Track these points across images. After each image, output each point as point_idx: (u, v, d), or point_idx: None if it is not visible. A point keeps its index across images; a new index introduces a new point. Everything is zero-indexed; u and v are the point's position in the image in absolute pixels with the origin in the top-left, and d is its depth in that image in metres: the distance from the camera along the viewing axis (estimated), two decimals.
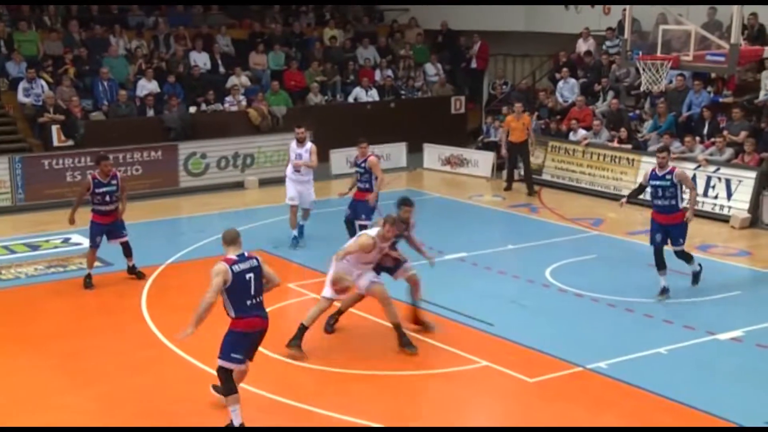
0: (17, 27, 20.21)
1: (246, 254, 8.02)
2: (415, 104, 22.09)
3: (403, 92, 22.38)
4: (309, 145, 14.04)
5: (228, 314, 8.03)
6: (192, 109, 19.61)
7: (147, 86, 19.59)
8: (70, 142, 17.76)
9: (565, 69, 20.45)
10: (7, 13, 20.71)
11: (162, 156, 18.12)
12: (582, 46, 21.24)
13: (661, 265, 11.30)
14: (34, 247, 13.98)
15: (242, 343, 7.96)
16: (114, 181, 12.08)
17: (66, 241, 14.17)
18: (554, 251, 13.77)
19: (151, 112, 19.18)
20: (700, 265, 11.69)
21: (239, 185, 18.78)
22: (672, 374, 9.24)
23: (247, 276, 7.90)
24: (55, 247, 14.06)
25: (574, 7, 22.01)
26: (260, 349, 9.78)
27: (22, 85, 18.57)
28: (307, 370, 9.40)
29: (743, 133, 16.09)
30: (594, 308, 11.21)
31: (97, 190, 11.95)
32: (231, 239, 8.08)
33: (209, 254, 13.49)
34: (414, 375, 9.33)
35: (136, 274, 12.47)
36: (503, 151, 18.10)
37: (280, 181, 18.95)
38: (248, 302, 7.92)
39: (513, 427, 8.34)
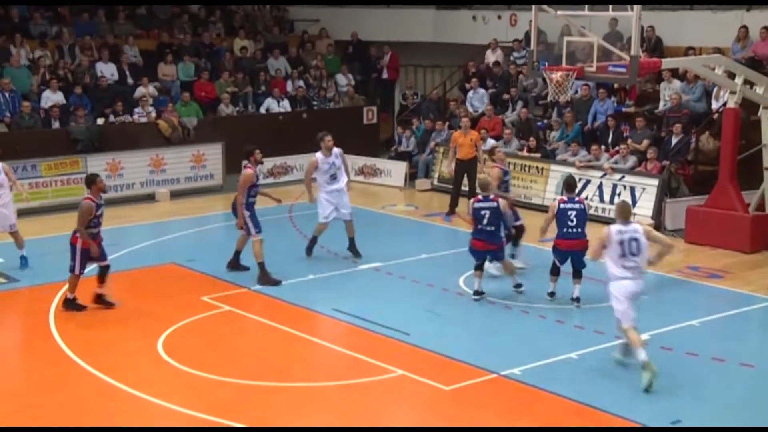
0: None
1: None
2: (328, 115, 22.09)
3: (315, 103, 22.38)
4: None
5: None
6: (100, 121, 19.21)
7: (52, 97, 19.10)
8: None
9: (474, 79, 20.79)
10: None
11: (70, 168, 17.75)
12: (490, 57, 21.63)
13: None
14: None
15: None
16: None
17: None
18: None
19: (56, 124, 18.71)
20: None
21: (150, 197, 18.48)
22: (583, 378, 9.47)
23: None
24: None
25: (482, 18, 22.41)
26: (177, 365, 9.69)
27: None
28: (222, 384, 9.30)
29: (645, 142, 16.63)
30: (507, 315, 11.41)
31: (97, 212, 11.23)
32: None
33: (123, 267, 13.26)
34: (331, 386, 9.33)
35: (104, 303, 11.53)
36: (451, 167, 17.01)
37: (192, 192, 18.87)
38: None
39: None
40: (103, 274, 11.52)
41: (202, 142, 19.57)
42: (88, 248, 11.19)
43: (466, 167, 16.78)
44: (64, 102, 19.17)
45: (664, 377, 9.45)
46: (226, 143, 19.55)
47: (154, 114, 19.80)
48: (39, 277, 12.54)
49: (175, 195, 18.53)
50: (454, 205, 16.90)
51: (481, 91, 20.61)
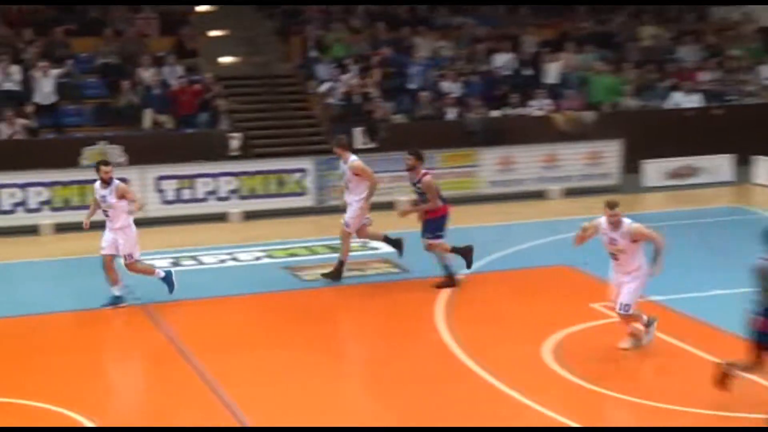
0: (327, 29, 21.52)
1: None
2: (746, 111, 20.67)
3: (731, 97, 21.04)
4: (116, 184, 11.72)
5: None
6: (495, 113, 19.78)
7: (449, 88, 20.04)
8: (372, 145, 18.58)
9: None
10: (318, 16, 22.10)
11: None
12: None
13: None
14: (334, 249, 14.66)
15: None
16: None
17: (364, 245, 14.74)
18: None
19: (452, 115, 19.59)
20: None
21: (541, 194, 18.61)
22: None
23: None
24: (354, 250, 14.67)
25: None
26: (564, 373, 9.58)
27: (327, 85, 19.75)
28: (611, 399, 8.99)
29: None
30: None
31: None
32: None
33: (509, 266, 13.48)
34: (745, 418, 8.59)
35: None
36: None
37: (586, 191, 18.69)
38: None
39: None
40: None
41: (600, 138, 19.33)
42: None
43: None
44: (461, 93, 20.00)
45: None
46: (625, 140, 19.12)
47: (550, 107, 19.97)
48: (431, 269, 13.12)
49: (568, 193, 18.49)
50: None
51: None
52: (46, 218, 15.99)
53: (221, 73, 20.37)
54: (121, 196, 11.62)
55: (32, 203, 16.24)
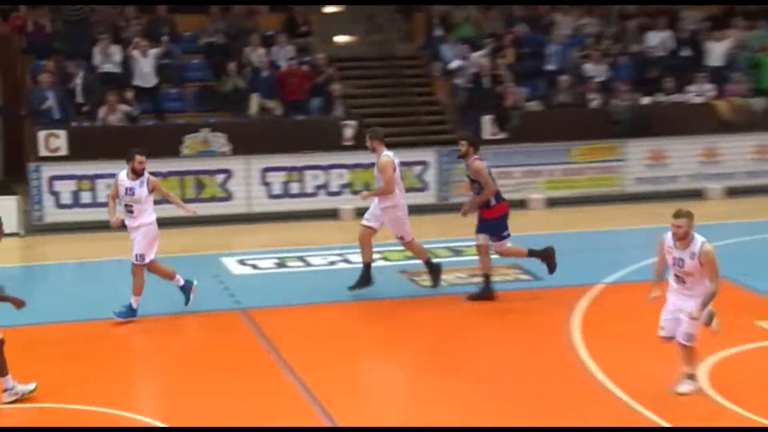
0: (454, 5, 21.43)
1: None
2: None
3: None
4: (147, 176, 11.79)
5: None
6: (646, 100, 19.36)
7: (593, 71, 19.70)
8: (502, 135, 18.41)
9: None
10: None
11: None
12: None
13: None
14: (456, 252, 14.60)
15: None
16: None
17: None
18: None
19: (596, 102, 19.24)
20: None
21: (698, 193, 18.12)
22: None
23: None
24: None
25: None
26: (719, 399, 9.26)
27: (456, 62, 19.67)
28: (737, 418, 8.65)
29: None
30: None
31: None
32: None
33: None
34: None
35: None
36: None
37: (753, 191, 18.09)
38: None
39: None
40: None
41: None
42: None
43: None
44: (607, 77, 19.62)
45: None
46: None
47: (712, 93, 19.45)
48: (566, 277, 12.88)
49: (730, 193, 18.01)
50: None
51: None
52: None
53: (336, 54, 20.57)
54: (153, 190, 11.86)
55: None
